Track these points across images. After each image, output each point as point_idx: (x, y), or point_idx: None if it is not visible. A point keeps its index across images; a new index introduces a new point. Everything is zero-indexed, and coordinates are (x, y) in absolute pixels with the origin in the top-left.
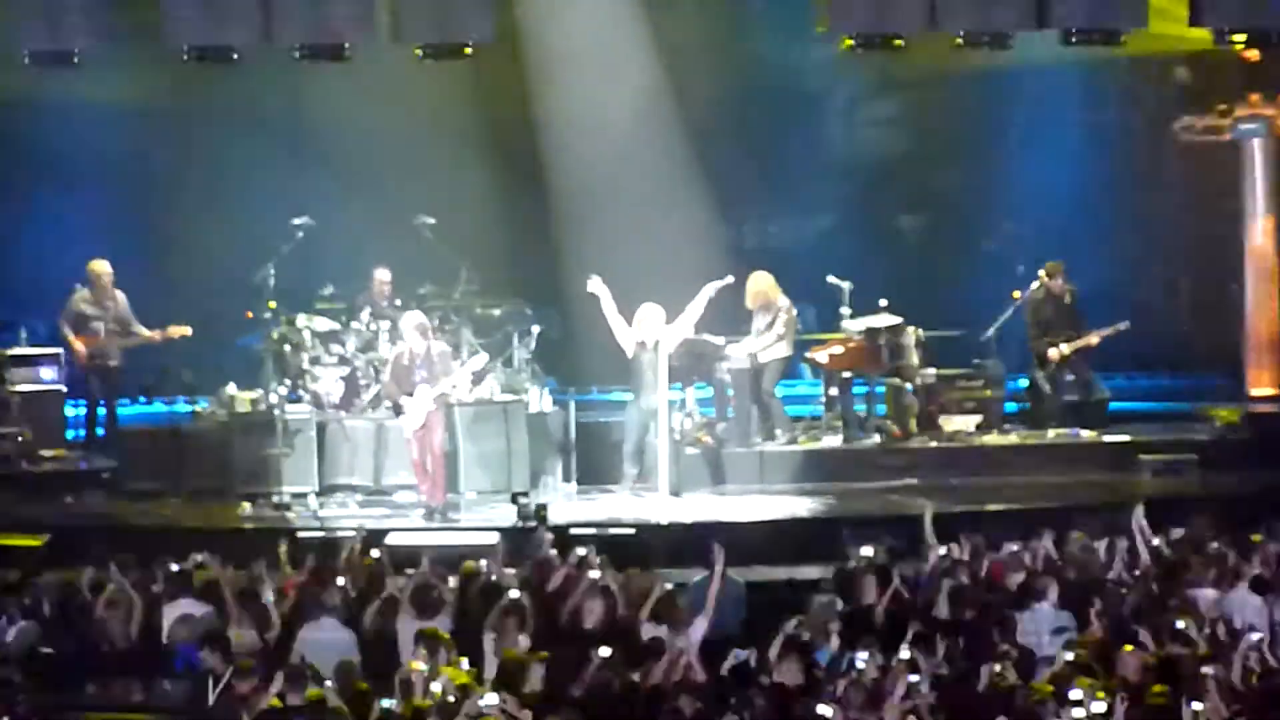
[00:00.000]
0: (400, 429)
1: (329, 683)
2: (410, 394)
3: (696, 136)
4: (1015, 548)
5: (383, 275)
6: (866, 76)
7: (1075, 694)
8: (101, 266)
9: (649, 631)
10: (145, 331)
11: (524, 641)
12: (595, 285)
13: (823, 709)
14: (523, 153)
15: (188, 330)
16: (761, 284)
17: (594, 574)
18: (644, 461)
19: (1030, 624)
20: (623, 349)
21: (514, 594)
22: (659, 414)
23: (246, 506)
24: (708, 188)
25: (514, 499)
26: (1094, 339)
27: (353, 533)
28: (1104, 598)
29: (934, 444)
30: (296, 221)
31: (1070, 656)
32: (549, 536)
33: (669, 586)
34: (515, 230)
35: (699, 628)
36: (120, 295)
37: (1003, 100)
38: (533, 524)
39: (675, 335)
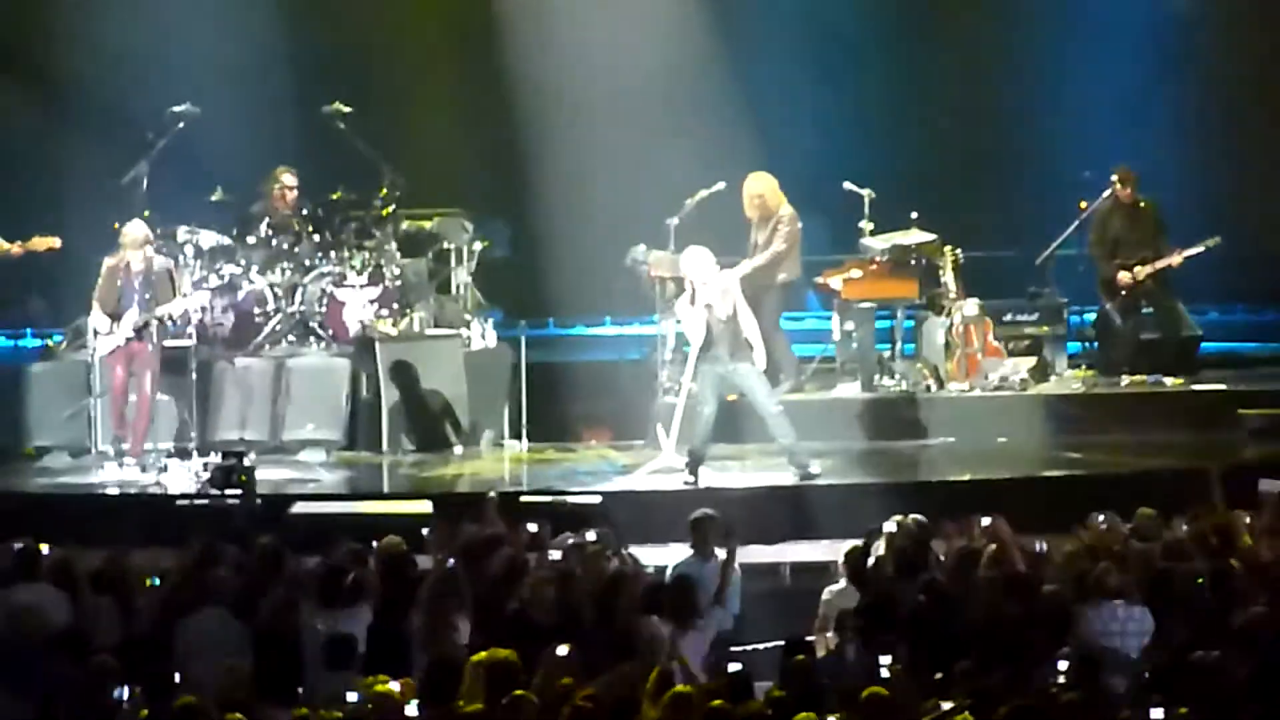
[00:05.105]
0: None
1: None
2: (116, 314)
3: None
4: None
5: (287, 178)
6: None
7: (1156, 714)
8: None
9: (645, 628)
10: (1, 243)
11: (464, 628)
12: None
13: None
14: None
15: (55, 241)
16: (761, 186)
17: (553, 554)
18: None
19: (1094, 624)
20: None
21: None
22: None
23: (109, 467)
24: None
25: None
26: (1177, 259)
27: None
28: (1188, 594)
29: (976, 393)
30: (176, 109)
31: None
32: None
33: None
34: (453, 122)
35: (712, 626)
36: None
37: None
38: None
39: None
